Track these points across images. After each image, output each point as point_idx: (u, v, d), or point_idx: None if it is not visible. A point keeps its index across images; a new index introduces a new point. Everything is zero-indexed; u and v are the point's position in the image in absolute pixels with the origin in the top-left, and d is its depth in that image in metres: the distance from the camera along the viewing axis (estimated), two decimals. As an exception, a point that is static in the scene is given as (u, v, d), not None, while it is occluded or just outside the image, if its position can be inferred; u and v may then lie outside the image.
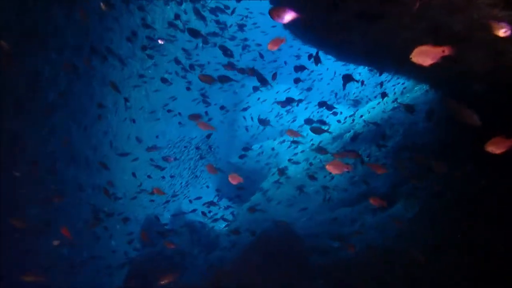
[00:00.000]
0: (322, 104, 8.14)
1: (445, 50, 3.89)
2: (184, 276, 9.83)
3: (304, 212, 10.09)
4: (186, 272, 10.04)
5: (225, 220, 11.55)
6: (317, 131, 8.38)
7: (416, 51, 3.99)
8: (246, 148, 13.02)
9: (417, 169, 9.31)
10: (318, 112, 20.22)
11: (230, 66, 6.66)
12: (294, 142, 12.27)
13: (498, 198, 7.27)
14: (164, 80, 7.98)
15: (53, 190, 9.16)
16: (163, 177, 13.75)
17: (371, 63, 8.02)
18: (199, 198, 13.00)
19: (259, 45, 17.49)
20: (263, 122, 8.47)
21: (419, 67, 6.34)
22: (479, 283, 6.69)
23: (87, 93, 10.80)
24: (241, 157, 12.97)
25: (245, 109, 18.41)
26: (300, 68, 7.96)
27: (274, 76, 7.12)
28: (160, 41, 8.38)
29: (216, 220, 11.18)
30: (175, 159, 16.29)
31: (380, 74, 7.63)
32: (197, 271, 9.69)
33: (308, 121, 8.49)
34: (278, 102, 7.93)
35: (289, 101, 8.01)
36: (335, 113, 13.70)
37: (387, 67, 8.11)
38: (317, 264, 7.76)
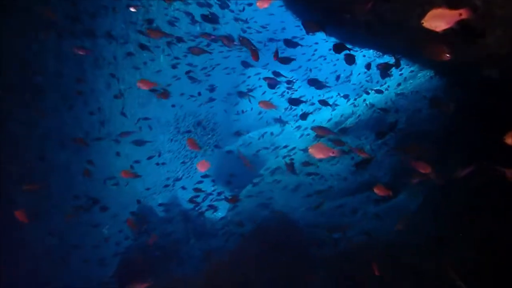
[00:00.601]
0: (312, 82, 7.27)
1: (462, 14, 3.48)
2: (179, 267, 9.52)
3: (304, 201, 9.75)
4: (181, 262, 9.72)
5: (211, 207, 11.11)
6: (302, 116, 7.76)
7: (429, 14, 3.55)
8: (238, 133, 12.53)
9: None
10: (319, 95, 19.81)
11: (207, 35, 6.12)
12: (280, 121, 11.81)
13: (505, 189, 6.95)
14: (142, 47, 7.38)
15: (41, 176, 8.77)
16: (158, 164, 13.32)
17: (377, 45, 7.60)
18: (201, 182, 12.22)
19: (264, 27, 16.87)
20: (243, 94, 7.81)
21: (430, 50, 5.90)
22: (486, 277, 6.39)
23: (78, 76, 10.35)
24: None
25: (250, 91, 17.84)
26: (291, 44, 7.08)
27: (276, 55, 6.37)
28: (132, 9, 7.69)
29: (202, 212, 10.76)
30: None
31: (397, 66, 6.97)
32: (192, 262, 9.38)
33: (292, 102, 7.48)
34: (265, 79, 6.93)
35: (276, 75, 7.19)
36: (345, 96, 13.17)
37: (396, 50, 7.70)
38: (317, 256, 7.44)
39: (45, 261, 9.33)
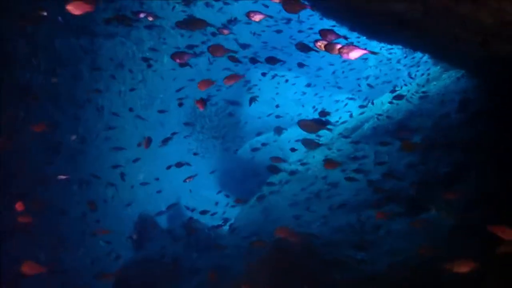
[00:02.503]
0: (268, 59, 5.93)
1: None
2: (180, 286, 8.67)
3: (317, 216, 8.84)
4: (182, 279, 8.86)
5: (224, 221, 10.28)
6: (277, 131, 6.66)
7: None
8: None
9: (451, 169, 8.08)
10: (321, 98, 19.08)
11: None
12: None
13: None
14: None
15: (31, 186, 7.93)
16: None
17: (405, 42, 6.71)
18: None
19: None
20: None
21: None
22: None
23: (74, 77, 9.54)
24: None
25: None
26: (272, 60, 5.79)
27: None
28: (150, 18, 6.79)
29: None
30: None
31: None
32: (194, 280, 8.52)
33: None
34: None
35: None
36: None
37: (423, 46, 6.84)
38: (340, 280, 6.53)
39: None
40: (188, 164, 7.66)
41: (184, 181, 7.58)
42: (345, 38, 4.67)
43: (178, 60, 5.03)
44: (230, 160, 16.90)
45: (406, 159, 8.81)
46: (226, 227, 10.55)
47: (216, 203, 11.08)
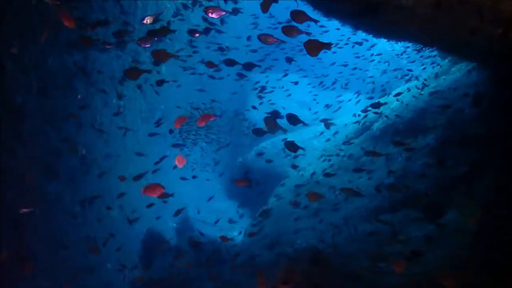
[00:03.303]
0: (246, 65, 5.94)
1: None
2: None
3: (330, 226, 8.41)
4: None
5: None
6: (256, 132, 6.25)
7: None
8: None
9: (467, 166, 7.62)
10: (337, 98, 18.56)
11: None
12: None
13: None
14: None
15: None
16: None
17: (413, 37, 6.28)
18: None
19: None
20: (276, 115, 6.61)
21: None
22: None
23: (68, 94, 9.20)
24: None
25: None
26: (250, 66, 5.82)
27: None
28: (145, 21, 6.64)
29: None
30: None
31: None
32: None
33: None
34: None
35: None
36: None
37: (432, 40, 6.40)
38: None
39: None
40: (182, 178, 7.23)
41: (175, 215, 7.35)
42: (316, 21, 4.59)
43: (131, 77, 5.09)
44: (237, 168, 16.50)
45: (422, 160, 8.36)
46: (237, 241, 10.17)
47: (230, 220, 10.77)
